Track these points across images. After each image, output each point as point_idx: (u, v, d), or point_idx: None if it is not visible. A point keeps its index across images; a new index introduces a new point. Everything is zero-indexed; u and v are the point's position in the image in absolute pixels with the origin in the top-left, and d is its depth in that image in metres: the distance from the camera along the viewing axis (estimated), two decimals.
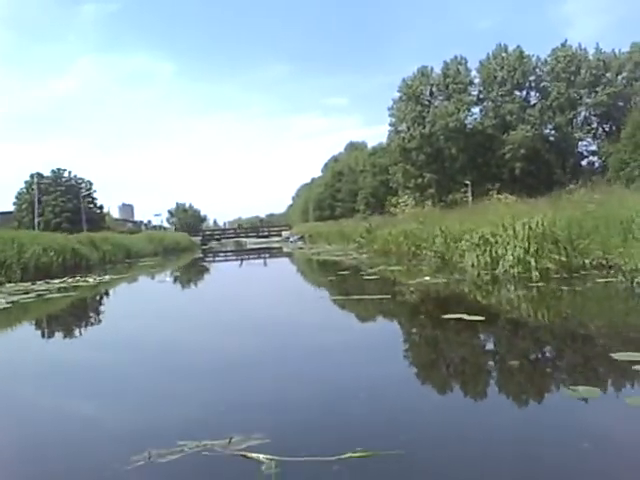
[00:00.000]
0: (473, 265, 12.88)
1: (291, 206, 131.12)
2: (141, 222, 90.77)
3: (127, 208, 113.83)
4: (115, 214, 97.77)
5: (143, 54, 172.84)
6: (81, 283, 16.37)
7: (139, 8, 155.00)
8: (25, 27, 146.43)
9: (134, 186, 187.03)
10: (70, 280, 17.04)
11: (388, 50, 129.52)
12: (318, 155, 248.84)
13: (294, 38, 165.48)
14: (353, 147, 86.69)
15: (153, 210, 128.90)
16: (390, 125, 61.67)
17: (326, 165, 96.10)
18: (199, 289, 16.83)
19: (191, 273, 23.93)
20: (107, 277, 18.38)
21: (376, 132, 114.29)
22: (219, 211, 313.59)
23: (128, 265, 28.53)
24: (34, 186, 61.37)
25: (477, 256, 12.69)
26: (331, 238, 35.73)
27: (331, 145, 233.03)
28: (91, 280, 17.13)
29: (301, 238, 53.72)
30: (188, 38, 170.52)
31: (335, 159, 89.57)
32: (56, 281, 16.66)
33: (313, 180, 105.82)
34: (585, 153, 61.09)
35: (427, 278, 11.80)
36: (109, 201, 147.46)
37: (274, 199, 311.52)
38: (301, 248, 38.82)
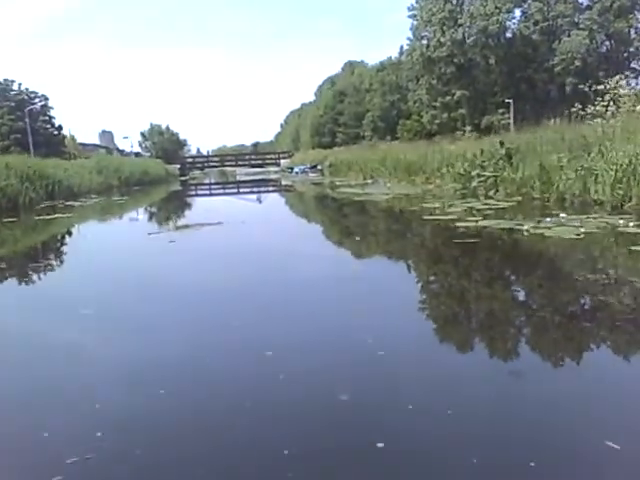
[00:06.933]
0: None
1: (280, 134, 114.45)
2: (116, 148, 74.17)
3: (107, 135, 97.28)
4: (95, 141, 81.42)
5: None
6: None
7: None
8: None
9: (114, 113, 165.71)
10: None
11: None
12: (308, 81, 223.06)
13: None
14: (352, 67, 70.22)
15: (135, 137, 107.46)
16: (411, 30, 46.03)
17: (320, 88, 79.60)
18: None
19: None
20: None
21: (371, 57, 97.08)
22: (203, 140, 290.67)
23: (38, 215, 14.11)
24: None
25: None
26: (372, 170, 21.16)
27: (322, 70, 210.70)
28: None
29: (313, 168, 37.91)
30: None
31: (332, 80, 73.06)
32: None
33: (303, 106, 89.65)
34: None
35: None
36: (89, 127, 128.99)
37: (261, 127, 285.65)
38: (318, 184, 24.44)
